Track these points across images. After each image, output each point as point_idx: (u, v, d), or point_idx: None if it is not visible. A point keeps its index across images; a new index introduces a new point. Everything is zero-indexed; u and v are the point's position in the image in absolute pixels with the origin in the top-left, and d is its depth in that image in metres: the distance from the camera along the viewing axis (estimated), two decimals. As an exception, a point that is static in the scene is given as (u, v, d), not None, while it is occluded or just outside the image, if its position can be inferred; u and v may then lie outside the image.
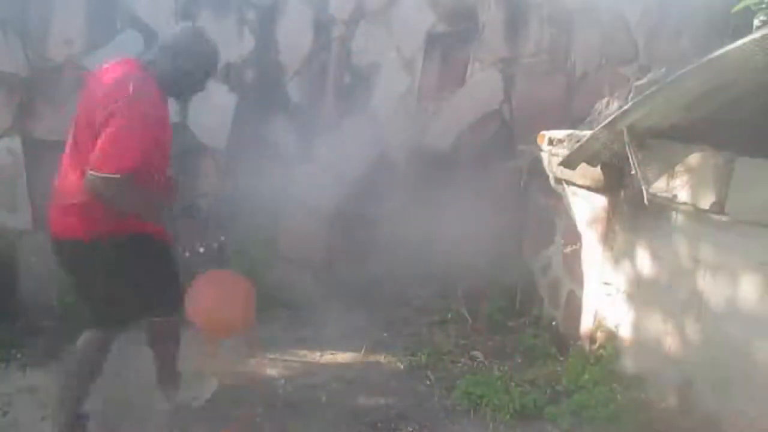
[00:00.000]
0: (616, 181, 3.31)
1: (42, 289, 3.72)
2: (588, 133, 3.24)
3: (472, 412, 3.17)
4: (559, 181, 3.79)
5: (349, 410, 3.18)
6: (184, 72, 2.53)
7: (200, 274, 2.79)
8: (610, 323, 3.47)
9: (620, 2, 4.56)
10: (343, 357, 3.61)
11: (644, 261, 3.24)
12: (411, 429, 3.05)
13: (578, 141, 3.33)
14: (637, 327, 3.30)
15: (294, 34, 4.03)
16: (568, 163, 3.36)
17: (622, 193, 3.31)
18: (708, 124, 2.87)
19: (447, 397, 3.31)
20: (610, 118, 2.98)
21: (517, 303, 4.21)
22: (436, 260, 4.12)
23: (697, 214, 2.86)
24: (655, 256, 3.17)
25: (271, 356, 3.63)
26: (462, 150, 4.41)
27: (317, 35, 4.07)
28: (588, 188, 3.54)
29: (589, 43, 4.53)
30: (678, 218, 3.02)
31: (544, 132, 3.85)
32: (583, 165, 3.33)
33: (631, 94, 3.43)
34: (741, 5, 2.96)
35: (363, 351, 3.70)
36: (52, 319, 3.70)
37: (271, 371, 3.50)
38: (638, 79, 3.81)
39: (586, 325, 3.62)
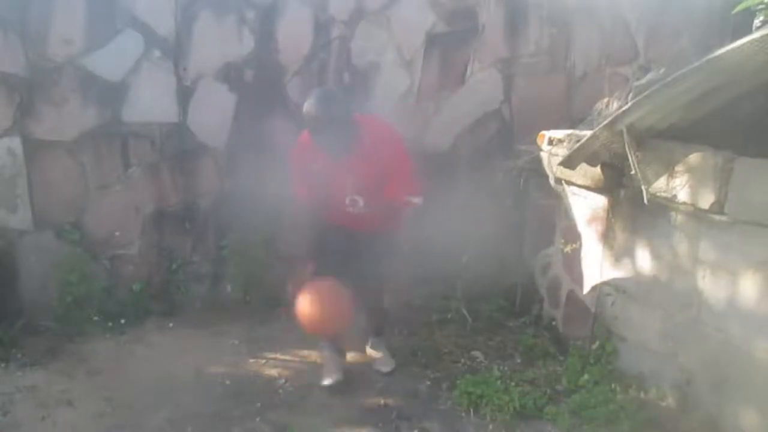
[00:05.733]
0: (615, 181, 3.30)
1: (42, 289, 3.73)
2: (588, 133, 3.24)
3: (472, 411, 3.17)
4: (558, 180, 3.78)
5: (349, 410, 3.18)
6: None
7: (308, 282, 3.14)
8: (609, 323, 3.47)
9: (620, 2, 4.55)
10: (343, 357, 3.60)
11: (644, 261, 3.24)
12: (411, 429, 3.06)
13: (578, 141, 3.33)
14: (637, 327, 3.30)
15: (294, 34, 4.03)
16: (568, 163, 3.36)
17: (622, 193, 3.31)
18: (708, 124, 2.87)
19: (447, 397, 3.32)
20: (610, 118, 2.98)
21: (517, 303, 4.21)
22: (436, 260, 4.11)
23: (696, 213, 2.86)
24: (654, 256, 3.18)
25: (271, 356, 3.64)
26: (462, 150, 4.40)
27: (317, 35, 4.07)
28: (588, 188, 3.53)
29: (589, 43, 4.52)
30: (677, 218, 3.02)
31: (544, 132, 3.85)
32: (583, 165, 3.32)
33: (631, 94, 3.42)
34: (741, 6, 2.95)
35: (363, 351, 3.70)
36: (52, 319, 3.71)
37: (271, 371, 3.50)
38: (638, 79, 3.80)
39: (585, 325, 3.62)
